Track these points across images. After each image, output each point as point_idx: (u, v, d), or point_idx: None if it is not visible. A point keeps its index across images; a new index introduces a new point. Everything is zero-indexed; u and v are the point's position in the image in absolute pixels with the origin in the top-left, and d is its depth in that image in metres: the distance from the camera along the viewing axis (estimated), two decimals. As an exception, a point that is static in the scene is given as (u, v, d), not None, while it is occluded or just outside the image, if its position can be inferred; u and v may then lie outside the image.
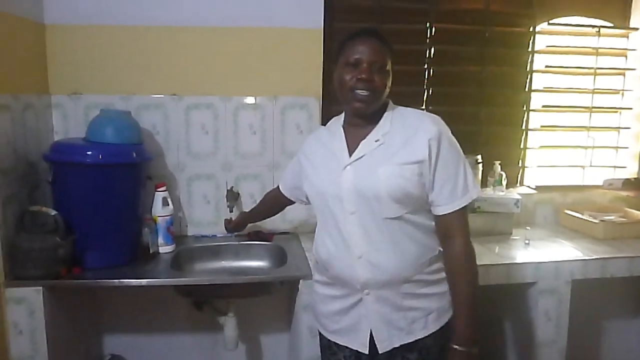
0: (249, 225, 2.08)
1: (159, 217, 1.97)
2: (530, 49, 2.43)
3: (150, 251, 1.91)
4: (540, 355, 1.95)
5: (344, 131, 1.38)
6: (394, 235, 1.28)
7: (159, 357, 2.24)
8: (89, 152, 1.73)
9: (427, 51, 2.34)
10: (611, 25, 2.48)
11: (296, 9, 2.11)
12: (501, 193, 2.28)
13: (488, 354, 2.16)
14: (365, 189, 1.28)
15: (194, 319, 2.19)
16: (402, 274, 1.29)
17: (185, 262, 2.01)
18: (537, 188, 2.46)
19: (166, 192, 2.01)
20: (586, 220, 2.27)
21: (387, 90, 1.32)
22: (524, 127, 2.49)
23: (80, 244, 1.74)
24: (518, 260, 1.93)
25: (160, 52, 2.07)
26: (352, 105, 1.30)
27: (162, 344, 2.24)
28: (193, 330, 2.24)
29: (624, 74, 2.55)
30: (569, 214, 2.37)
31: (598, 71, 2.49)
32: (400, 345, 1.33)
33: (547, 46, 2.44)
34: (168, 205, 2.01)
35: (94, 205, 1.75)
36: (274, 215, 1.99)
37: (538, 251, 2.03)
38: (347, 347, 1.39)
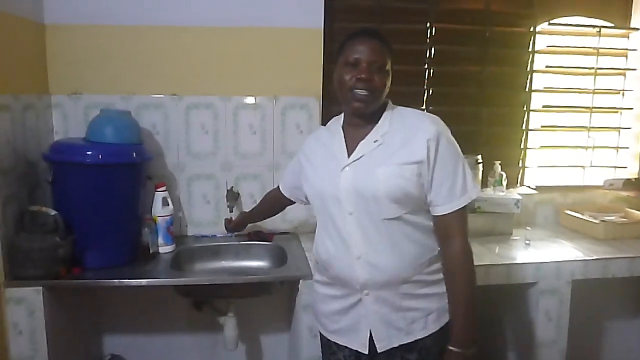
0: (249, 225, 2.07)
1: (158, 217, 1.97)
2: (530, 49, 2.43)
3: (150, 251, 1.91)
4: (540, 355, 1.95)
5: (343, 132, 1.38)
6: (393, 235, 1.28)
7: (159, 357, 2.24)
8: (89, 152, 1.73)
9: (427, 51, 2.34)
10: (612, 25, 2.48)
11: (296, 9, 2.11)
12: (501, 193, 2.27)
13: (488, 354, 2.16)
14: (364, 189, 1.27)
15: (193, 319, 2.19)
16: (401, 275, 1.29)
17: (185, 262, 2.01)
18: (538, 188, 2.45)
19: (166, 192, 2.01)
20: (587, 220, 2.27)
21: (387, 90, 1.31)
22: (524, 127, 2.49)
23: (80, 244, 1.74)
24: (518, 261, 1.93)
25: (160, 52, 2.07)
26: (351, 105, 1.30)
27: (162, 344, 2.24)
28: (193, 330, 2.24)
29: (624, 74, 2.55)
30: (570, 214, 2.37)
31: (598, 71, 2.48)
32: (400, 345, 1.32)
33: (548, 46, 2.43)
34: (168, 205, 2.01)
35: (94, 205, 1.75)
36: (274, 215, 1.99)
37: (538, 251, 2.03)
38: (346, 347, 1.39)
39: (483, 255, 1.94)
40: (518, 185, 2.52)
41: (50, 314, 1.68)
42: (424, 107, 2.36)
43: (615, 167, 2.57)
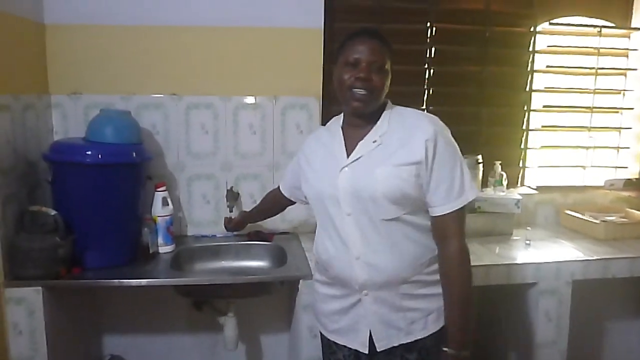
0: (249, 225, 2.08)
1: (158, 217, 1.97)
2: (531, 49, 2.43)
3: (150, 251, 1.91)
4: (540, 356, 1.95)
5: (343, 132, 1.38)
6: (392, 236, 1.28)
7: (158, 357, 2.24)
8: (88, 152, 1.73)
9: (427, 51, 2.34)
10: (612, 25, 2.48)
11: (296, 9, 2.11)
12: (502, 193, 2.27)
13: (488, 354, 2.16)
14: (362, 190, 1.27)
15: (193, 319, 2.19)
16: (401, 275, 1.29)
17: (185, 262, 2.01)
18: (538, 188, 2.45)
19: (166, 192, 2.01)
20: (587, 220, 2.27)
21: (386, 90, 1.31)
22: (524, 127, 2.49)
23: (80, 244, 1.74)
24: (519, 261, 1.92)
25: (160, 52, 2.07)
26: (351, 105, 1.30)
27: (162, 344, 2.24)
28: (193, 330, 2.24)
29: (625, 74, 2.54)
30: (570, 215, 2.37)
31: (599, 71, 2.48)
32: (400, 345, 1.32)
33: (548, 46, 2.43)
34: (168, 205, 2.01)
35: (94, 205, 1.75)
36: (274, 215, 1.99)
37: (539, 251, 2.03)
38: (346, 346, 1.39)
39: (483, 255, 1.94)
40: (518, 185, 2.51)
41: (50, 314, 1.68)
42: (424, 107, 2.36)
43: (616, 167, 2.56)
